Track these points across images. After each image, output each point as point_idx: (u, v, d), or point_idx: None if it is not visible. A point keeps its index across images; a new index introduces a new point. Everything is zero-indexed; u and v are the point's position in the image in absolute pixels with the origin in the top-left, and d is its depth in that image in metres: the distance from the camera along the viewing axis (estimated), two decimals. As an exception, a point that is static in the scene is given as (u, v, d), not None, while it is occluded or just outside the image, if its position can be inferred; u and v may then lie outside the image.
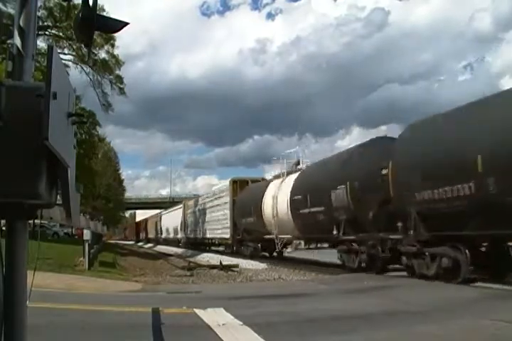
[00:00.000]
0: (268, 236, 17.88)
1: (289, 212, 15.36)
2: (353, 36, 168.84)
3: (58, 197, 1.49)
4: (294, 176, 16.28)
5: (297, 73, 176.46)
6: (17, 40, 1.39)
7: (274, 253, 19.42)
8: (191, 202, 33.57)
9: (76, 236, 28.58)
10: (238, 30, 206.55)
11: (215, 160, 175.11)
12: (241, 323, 4.80)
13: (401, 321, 5.07)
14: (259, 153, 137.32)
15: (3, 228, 1.38)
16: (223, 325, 4.74)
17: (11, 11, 1.63)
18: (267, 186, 18.64)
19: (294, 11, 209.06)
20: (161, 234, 44.94)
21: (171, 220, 39.54)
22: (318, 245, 15.74)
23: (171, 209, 42.04)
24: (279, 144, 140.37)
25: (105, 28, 1.95)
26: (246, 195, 20.92)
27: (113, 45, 27.16)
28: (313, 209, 13.48)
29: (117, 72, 28.62)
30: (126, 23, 1.81)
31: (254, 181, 22.47)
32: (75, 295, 7.35)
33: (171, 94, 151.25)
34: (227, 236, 22.57)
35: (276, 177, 19.04)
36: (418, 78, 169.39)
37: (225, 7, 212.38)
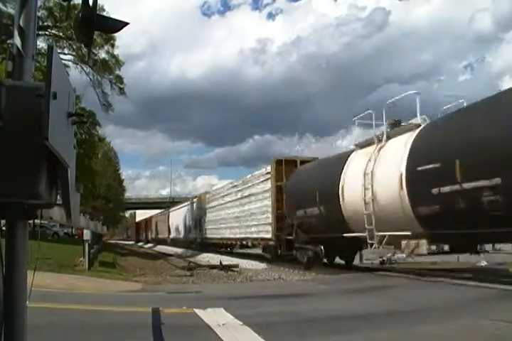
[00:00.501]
0: (350, 235, 11.60)
1: (405, 193, 9.52)
2: (353, 36, 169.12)
3: (58, 197, 1.49)
4: (408, 137, 10.05)
5: (297, 73, 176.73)
6: (17, 40, 1.39)
7: (355, 262, 14.10)
8: (210, 195, 27.65)
9: (76, 236, 28.61)
10: (238, 30, 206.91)
11: (215, 160, 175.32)
12: (241, 323, 4.80)
13: (401, 321, 5.07)
14: (260, 153, 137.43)
15: (3, 228, 1.38)
16: (223, 325, 4.74)
17: (11, 11, 1.63)
18: (346, 160, 12.30)
19: (295, 11, 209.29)
20: (169, 233, 39.95)
21: (182, 218, 34.16)
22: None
23: (182, 204, 36.13)
24: (280, 144, 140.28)
25: (105, 28, 1.95)
26: (303, 178, 14.82)
27: (113, 45, 27.22)
28: (467, 185, 8.05)
29: (117, 72, 28.70)
30: (126, 23, 1.81)
31: (304, 161, 16.44)
32: (75, 295, 7.35)
33: (171, 94, 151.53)
34: (268, 235, 16.62)
35: (363, 145, 12.22)
36: (418, 78, 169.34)
37: (226, 7, 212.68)
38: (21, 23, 1.40)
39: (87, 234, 12.55)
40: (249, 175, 20.08)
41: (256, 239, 18.45)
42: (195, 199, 31.09)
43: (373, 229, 10.55)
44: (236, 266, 15.38)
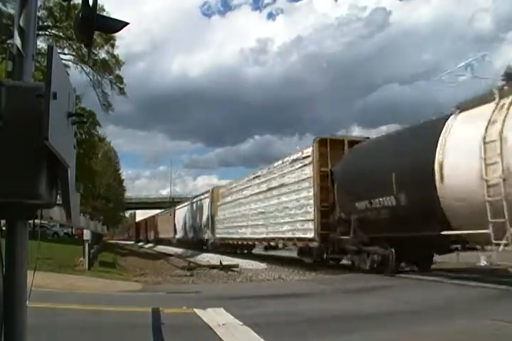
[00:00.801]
0: (454, 233, 8.36)
1: None
2: (353, 36, 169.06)
3: (58, 197, 1.49)
4: None
5: (298, 73, 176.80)
6: (17, 40, 1.39)
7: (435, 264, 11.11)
8: (224, 189, 24.30)
9: (76, 236, 28.64)
10: (239, 30, 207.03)
11: (215, 160, 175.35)
12: (241, 323, 4.80)
13: (401, 321, 5.07)
14: (260, 153, 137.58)
15: (3, 228, 1.38)
16: (223, 325, 4.74)
17: (11, 11, 1.63)
18: (442, 127, 8.82)
19: (295, 11, 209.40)
20: (175, 233, 37.08)
21: (191, 216, 31.05)
22: None
23: (191, 201, 32.40)
24: (280, 144, 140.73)
25: (105, 28, 1.95)
26: (365, 159, 11.40)
27: (113, 45, 27.25)
28: None
29: (117, 72, 28.73)
30: (126, 23, 1.81)
31: (354, 142, 13.20)
32: (75, 295, 7.35)
33: (172, 94, 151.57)
34: (309, 234, 13.26)
35: (471, 105, 8.71)
36: (418, 78, 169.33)
37: (226, 7, 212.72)
38: (21, 23, 1.40)
39: (87, 234, 12.55)
40: (279, 162, 16.50)
41: (290, 239, 14.88)
42: (206, 195, 27.43)
43: (506, 223, 7.31)
44: (236, 266, 15.36)
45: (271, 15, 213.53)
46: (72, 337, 4.40)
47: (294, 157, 15.05)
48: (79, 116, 1.60)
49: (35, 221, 1.59)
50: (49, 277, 8.47)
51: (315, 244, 13.07)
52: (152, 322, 5.00)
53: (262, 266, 15.83)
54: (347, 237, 11.39)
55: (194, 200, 31.40)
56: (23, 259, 1.36)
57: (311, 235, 13.19)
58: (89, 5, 1.64)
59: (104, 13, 18.41)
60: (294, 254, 16.45)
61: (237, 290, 9.55)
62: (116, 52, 27.82)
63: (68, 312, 5.59)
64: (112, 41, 26.58)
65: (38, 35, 20.02)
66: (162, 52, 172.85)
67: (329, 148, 13.29)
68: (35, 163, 1.31)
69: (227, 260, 18.05)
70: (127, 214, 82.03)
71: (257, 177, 18.92)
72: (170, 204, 54.79)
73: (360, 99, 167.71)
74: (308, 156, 13.85)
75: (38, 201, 1.35)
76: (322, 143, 13.38)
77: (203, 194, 29.51)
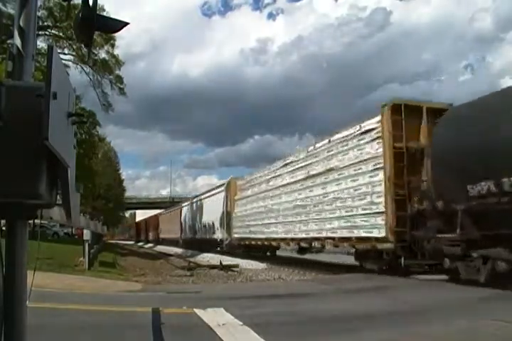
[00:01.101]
0: None
1: None
2: (353, 36, 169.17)
3: (58, 197, 1.49)
4: None
5: (298, 73, 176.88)
6: (17, 40, 1.39)
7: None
8: (244, 181, 20.96)
9: (76, 236, 28.63)
10: (239, 30, 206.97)
11: (215, 160, 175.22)
12: (241, 323, 4.80)
13: (401, 321, 5.07)
14: (260, 153, 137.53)
15: (3, 228, 1.38)
16: (223, 325, 4.74)
17: (11, 11, 1.63)
18: None
19: (295, 11, 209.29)
20: (182, 233, 34.38)
21: (201, 213, 28.06)
22: None
23: (201, 197, 29.32)
24: (280, 144, 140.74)
25: (105, 28, 1.95)
26: (483, 123, 7.66)
27: (113, 45, 27.23)
28: None
29: (117, 72, 28.69)
30: (126, 23, 1.81)
31: (435, 110, 9.65)
32: (75, 295, 7.34)
33: (172, 94, 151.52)
34: (379, 233, 10.08)
35: None
36: (418, 78, 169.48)
37: (226, 7, 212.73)
38: (21, 23, 1.40)
39: (87, 234, 12.56)
40: (323, 142, 13.22)
41: (345, 238, 11.63)
42: (220, 189, 24.08)
43: None
44: (236, 266, 15.38)
45: (271, 15, 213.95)
46: (72, 337, 4.40)
47: (348, 133, 11.77)
48: (79, 116, 1.59)
49: (35, 221, 1.59)
50: (49, 277, 8.47)
51: (387, 246, 9.78)
52: (152, 322, 4.99)
53: (262, 266, 15.84)
54: (448, 235, 8.18)
55: (205, 196, 28.03)
56: (23, 259, 1.35)
57: (381, 234, 9.94)
58: (89, 5, 1.63)
59: (104, 13, 18.40)
60: (337, 259, 13.69)
61: (237, 290, 9.55)
62: (116, 52, 27.85)
63: (68, 312, 5.59)
64: (111, 41, 26.56)
65: (38, 35, 20.02)
66: (162, 52, 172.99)
67: (405, 115, 9.93)
68: (35, 163, 1.30)
69: (227, 260, 18.06)
70: (127, 214, 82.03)
71: (288, 163, 15.65)
72: (170, 204, 54.81)
73: (360, 98, 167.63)
74: (371, 130, 10.69)
75: (38, 201, 1.34)
76: (395, 109, 9.94)
77: (216, 188, 25.66)
